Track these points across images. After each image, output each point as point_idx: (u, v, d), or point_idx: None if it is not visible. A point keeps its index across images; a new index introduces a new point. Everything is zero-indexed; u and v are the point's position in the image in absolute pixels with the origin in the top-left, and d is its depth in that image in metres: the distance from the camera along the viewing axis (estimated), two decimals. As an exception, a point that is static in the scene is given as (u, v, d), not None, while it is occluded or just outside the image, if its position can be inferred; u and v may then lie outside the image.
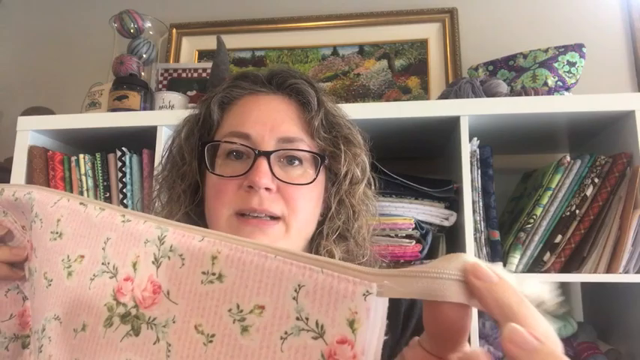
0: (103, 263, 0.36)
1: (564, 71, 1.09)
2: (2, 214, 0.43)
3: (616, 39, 1.39)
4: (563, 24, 1.41)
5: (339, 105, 0.67)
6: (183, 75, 1.34)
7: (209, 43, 1.50)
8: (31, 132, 1.12)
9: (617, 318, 1.06)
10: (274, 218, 0.56)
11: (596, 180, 0.93)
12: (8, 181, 1.09)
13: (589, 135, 1.10)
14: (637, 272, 0.89)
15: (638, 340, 0.97)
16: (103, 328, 0.34)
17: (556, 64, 1.09)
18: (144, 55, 1.27)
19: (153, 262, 0.34)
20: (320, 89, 0.64)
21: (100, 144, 1.14)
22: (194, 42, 1.57)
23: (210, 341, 0.30)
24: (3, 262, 0.43)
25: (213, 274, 0.31)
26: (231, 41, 1.44)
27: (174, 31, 1.57)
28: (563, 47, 1.11)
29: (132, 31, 1.28)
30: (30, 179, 1.10)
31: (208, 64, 1.31)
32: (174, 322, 0.32)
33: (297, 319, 0.27)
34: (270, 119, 0.59)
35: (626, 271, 0.89)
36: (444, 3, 1.47)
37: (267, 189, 0.55)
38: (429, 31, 1.47)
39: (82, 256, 0.37)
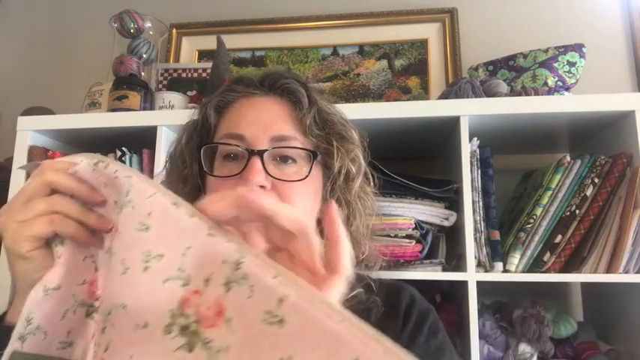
0: (179, 269, 0.36)
1: (564, 71, 1.09)
2: (103, 185, 0.44)
3: (616, 39, 1.39)
4: (563, 24, 1.41)
5: (336, 104, 0.68)
6: (183, 75, 1.34)
7: (209, 43, 1.50)
8: (31, 132, 1.12)
9: (617, 318, 1.06)
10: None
11: (596, 180, 0.93)
12: (8, 181, 1.09)
13: (589, 135, 1.10)
14: (637, 272, 0.89)
15: (638, 340, 0.97)
16: (161, 333, 0.34)
17: (556, 64, 1.09)
18: (144, 55, 1.27)
19: (223, 285, 0.34)
20: (312, 88, 0.65)
21: (100, 144, 1.14)
22: (194, 42, 1.57)
23: None
24: (88, 226, 0.44)
25: (276, 316, 0.30)
26: (231, 41, 1.44)
27: (174, 31, 1.57)
28: (563, 47, 1.11)
29: (132, 31, 1.28)
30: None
31: (208, 64, 1.31)
32: (226, 351, 0.32)
33: None
34: (264, 119, 0.61)
35: (626, 271, 0.89)
36: (444, 3, 1.47)
37: (261, 187, 0.56)
38: (429, 31, 1.47)
39: (162, 256, 0.37)
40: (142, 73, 1.25)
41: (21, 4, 1.73)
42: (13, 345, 0.40)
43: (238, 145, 0.59)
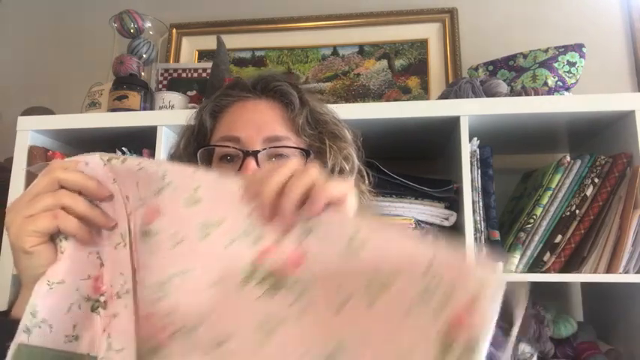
0: (244, 231, 0.39)
1: (564, 71, 1.09)
2: (112, 181, 0.45)
3: (616, 39, 1.39)
4: (563, 24, 1.41)
5: (335, 104, 0.71)
6: (183, 75, 1.34)
7: (209, 43, 1.50)
8: (31, 132, 1.12)
9: (617, 318, 1.06)
10: None
11: (596, 180, 0.93)
12: (8, 181, 1.09)
13: (589, 135, 1.10)
14: (637, 272, 0.89)
15: (638, 340, 0.97)
16: (237, 287, 0.38)
17: (556, 64, 1.09)
18: (144, 55, 1.27)
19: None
20: (304, 90, 0.68)
21: (100, 144, 1.14)
22: (194, 42, 1.57)
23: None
24: (92, 222, 0.45)
25: (354, 247, 0.35)
26: (231, 41, 1.44)
27: (174, 31, 1.57)
28: (563, 47, 1.11)
29: (132, 31, 1.28)
30: (30, 179, 1.10)
31: (208, 64, 1.31)
32: (312, 289, 0.36)
33: (426, 290, 0.31)
34: (257, 121, 0.63)
35: (626, 271, 0.89)
36: (444, 3, 1.47)
37: None
38: (429, 31, 1.47)
39: (221, 222, 0.40)
40: (142, 73, 1.25)
41: (21, 3, 1.73)
42: (20, 338, 0.41)
43: (234, 147, 0.62)
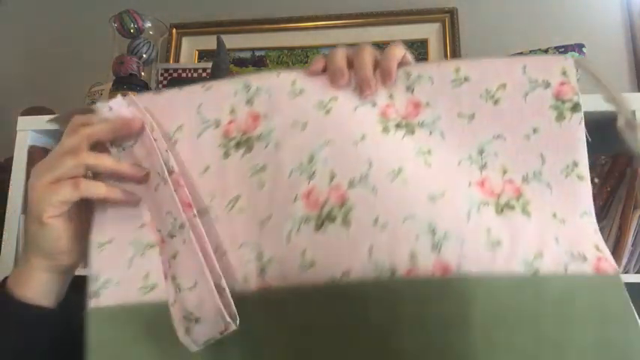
0: (203, 122, 0.45)
1: (564, 71, 1.09)
2: (139, 117, 0.44)
3: (616, 39, 1.39)
4: (563, 24, 1.41)
5: None
6: (184, 75, 1.34)
7: (209, 43, 1.50)
8: (31, 132, 1.12)
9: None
10: None
11: (596, 180, 0.93)
12: (8, 181, 1.09)
13: (589, 135, 1.10)
14: (637, 272, 0.89)
15: (638, 340, 0.97)
16: (224, 160, 0.44)
17: (556, 64, 1.09)
18: (144, 55, 1.27)
19: (246, 103, 0.45)
20: None
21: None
22: (194, 42, 1.57)
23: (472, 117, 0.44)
24: (123, 176, 0.42)
25: (459, 78, 0.45)
26: (231, 41, 1.44)
27: (174, 31, 1.57)
28: (563, 47, 1.11)
29: (132, 31, 1.28)
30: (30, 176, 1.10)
31: (208, 64, 1.31)
32: (438, 119, 0.44)
33: (530, 81, 0.43)
34: None
35: (626, 271, 0.89)
36: (444, 3, 1.47)
37: None
38: (429, 31, 1.47)
39: (181, 126, 0.45)
40: (142, 73, 1.25)
41: (21, 4, 1.73)
42: (91, 303, 0.40)
43: None
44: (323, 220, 0.40)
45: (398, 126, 0.44)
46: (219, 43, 1.23)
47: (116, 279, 0.41)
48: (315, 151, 0.42)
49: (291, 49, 1.52)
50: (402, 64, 0.45)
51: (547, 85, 0.43)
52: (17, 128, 1.12)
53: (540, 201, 0.42)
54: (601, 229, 0.92)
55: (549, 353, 0.36)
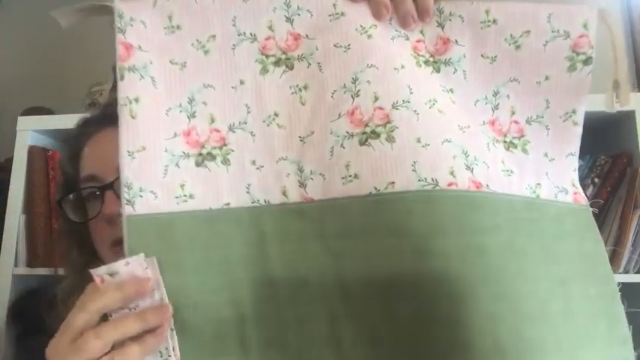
0: (238, 34, 0.45)
1: (564, 71, 1.09)
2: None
3: (616, 39, 1.39)
4: (563, 24, 1.41)
5: None
6: (183, 75, 1.34)
7: (209, 43, 1.49)
8: (31, 132, 1.12)
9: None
10: None
11: (596, 180, 0.93)
12: (8, 181, 1.09)
13: (589, 135, 1.10)
14: (637, 272, 0.89)
15: (637, 340, 0.97)
16: (261, 76, 0.45)
17: (556, 64, 1.09)
18: (144, 55, 1.27)
19: (286, 21, 0.45)
20: None
21: (100, 144, 1.13)
22: (194, 42, 1.57)
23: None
24: (150, 327, 0.39)
25: (488, 20, 0.47)
26: (231, 41, 1.43)
27: (174, 31, 1.57)
28: (563, 47, 1.11)
29: (132, 31, 1.27)
30: (30, 179, 1.10)
31: (208, 64, 1.30)
32: (464, 58, 0.48)
33: (552, 30, 0.47)
34: (107, 152, 0.58)
35: (626, 271, 0.89)
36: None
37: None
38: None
39: (214, 36, 0.45)
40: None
41: (21, 4, 1.73)
42: (126, 211, 0.40)
43: (90, 186, 0.61)
44: (367, 137, 0.43)
45: (426, 63, 0.48)
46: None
47: (153, 189, 0.41)
48: (358, 72, 0.45)
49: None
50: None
51: (567, 35, 0.47)
52: (17, 128, 1.12)
53: (537, 141, 0.49)
54: (601, 229, 0.93)
55: (551, 260, 0.45)
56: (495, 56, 0.47)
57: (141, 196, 0.41)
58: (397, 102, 0.44)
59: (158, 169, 0.42)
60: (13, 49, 1.70)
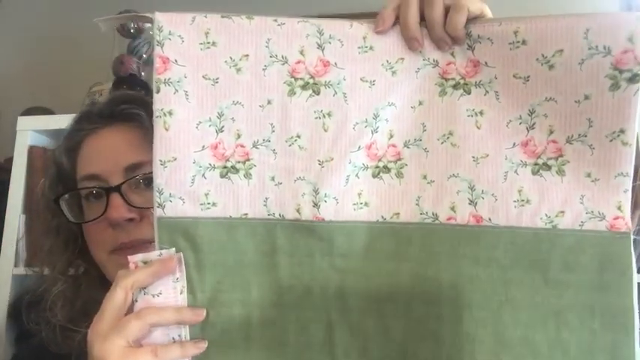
0: (270, 56, 0.48)
1: (564, 71, 1.09)
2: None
3: (616, 39, 1.39)
4: (563, 24, 1.41)
5: None
6: (183, 75, 1.34)
7: (209, 43, 1.49)
8: (31, 132, 1.12)
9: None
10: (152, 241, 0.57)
11: (596, 180, 0.93)
12: (8, 182, 1.09)
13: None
14: (637, 272, 0.89)
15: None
16: (288, 98, 0.48)
17: (556, 64, 1.09)
18: (144, 55, 1.27)
19: (317, 48, 0.48)
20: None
21: (100, 144, 1.13)
22: (194, 42, 1.57)
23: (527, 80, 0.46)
24: (185, 323, 0.46)
25: (518, 41, 0.47)
26: (231, 41, 1.43)
27: (174, 31, 1.57)
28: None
29: (132, 31, 1.28)
30: (30, 179, 1.10)
31: (208, 64, 1.30)
32: (494, 80, 0.47)
33: (589, 47, 0.43)
34: (113, 152, 0.60)
35: (626, 272, 0.89)
36: (444, 3, 1.46)
37: (130, 219, 0.56)
38: (429, 31, 1.47)
39: (247, 55, 0.47)
40: (142, 73, 1.25)
41: (21, 4, 1.73)
42: (157, 213, 0.46)
43: (95, 186, 0.59)
44: (380, 171, 0.48)
45: (456, 86, 0.48)
46: (219, 43, 1.23)
47: (181, 195, 0.46)
48: (379, 108, 0.48)
49: (291, 49, 1.52)
50: (468, 21, 0.47)
51: (607, 52, 0.43)
52: (17, 128, 1.12)
53: (579, 161, 0.46)
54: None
55: (551, 290, 0.45)
56: (528, 76, 0.46)
57: (170, 201, 0.46)
58: (409, 140, 0.48)
59: (186, 178, 0.46)
60: (13, 49, 1.70)
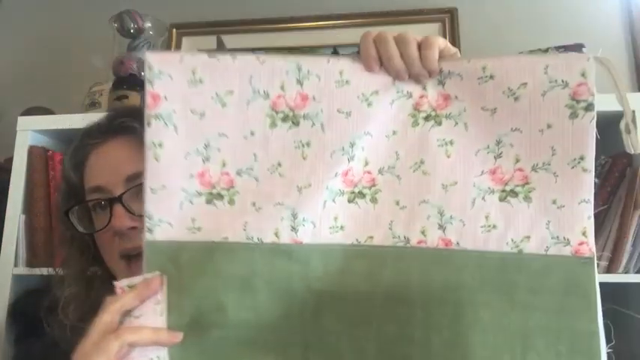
0: (253, 91, 0.50)
1: (564, 71, 1.09)
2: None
3: (616, 39, 1.39)
4: (563, 24, 1.41)
5: None
6: (183, 75, 1.34)
7: (209, 43, 1.50)
8: (31, 132, 1.12)
9: (617, 318, 1.05)
10: None
11: (596, 180, 0.93)
12: (8, 182, 1.09)
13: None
14: (637, 272, 0.90)
15: (638, 340, 0.97)
16: (269, 130, 0.50)
17: (556, 64, 1.09)
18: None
19: (297, 83, 0.50)
20: None
21: (100, 144, 1.13)
22: (194, 42, 1.57)
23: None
24: (161, 344, 0.47)
25: (486, 76, 0.49)
26: (231, 41, 1.44)
27: (174, 31, 1.57)
28: (563, 47, 1.11)
29: (132, 31, 1.28)
30: (30, 179, 1.11)
31: (208, 64, 1.30)
32: (464, 111, 0.50)
33: (550, 81, 0.47)
34: (114, 164, 0.63)
35: (626, 271, 0.90)
36: (444, 3, 1.47)
37: (133, 227, 0.59)
38: (428, 31, 1.47)
39: (231, 91, 0.50)
40: (142, 73, 1.25)
41: (21, 4, 1.73)
42: (146, 237, 0.48)
43: (98, 198, 0.63)
44: (355, 196, 0.51)
45: (427, 118, 0.51)
46: (219, 43, 1.23)
47: (170, 220, 0.49)
48: (355, 138, 0.50)
49: (291, 49, 1.52)
50: (441, 57, 0.50)
51: (565, 85, 0.48)
52: (17, 128, 1.12)
53: (544, 188, 0.49)
54: (601, 229, 0.93)
55: (518, 313, 0.47)
56: (495, 108, 0.49)
57: (159, 226, 0.49)
58: (383, 168, 0.51)
59: (174, 205, 0.49)
60: (13, 49, 1.70)
